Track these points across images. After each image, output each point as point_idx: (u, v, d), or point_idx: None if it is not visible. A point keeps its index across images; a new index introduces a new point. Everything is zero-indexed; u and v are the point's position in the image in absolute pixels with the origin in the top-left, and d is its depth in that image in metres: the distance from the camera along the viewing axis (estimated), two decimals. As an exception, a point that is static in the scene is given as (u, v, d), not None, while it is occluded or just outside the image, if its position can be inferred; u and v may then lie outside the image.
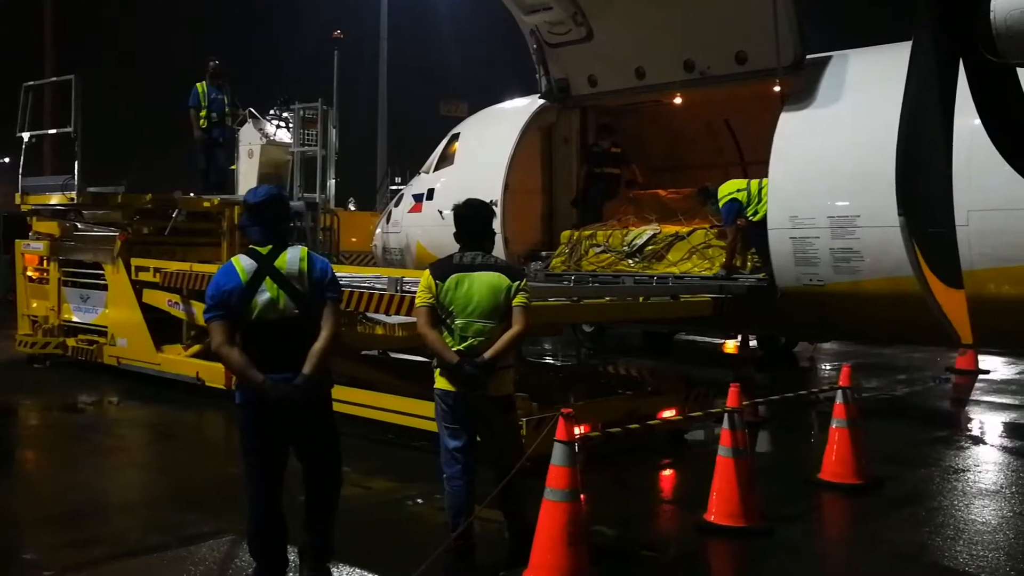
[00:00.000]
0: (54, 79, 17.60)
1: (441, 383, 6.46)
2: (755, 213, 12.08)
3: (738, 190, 12.18)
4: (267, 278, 5.65)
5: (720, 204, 12.27)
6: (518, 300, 6.41)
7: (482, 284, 6.38)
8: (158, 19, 47.11)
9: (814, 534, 7.87)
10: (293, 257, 5.75)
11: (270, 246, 5.77)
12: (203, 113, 15.57)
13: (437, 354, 6.42)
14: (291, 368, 5.59)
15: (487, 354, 6.28)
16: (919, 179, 7.13)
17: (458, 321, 6.37)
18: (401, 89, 38.71)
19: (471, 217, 6.67)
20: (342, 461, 6.11)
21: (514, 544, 6.47)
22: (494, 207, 14.20)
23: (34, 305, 15.57)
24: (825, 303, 11.48)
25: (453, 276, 6.40)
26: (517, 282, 6.44)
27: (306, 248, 5.92)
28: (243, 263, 5.71)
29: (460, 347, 6.35)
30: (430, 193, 15.72)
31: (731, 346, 18.57)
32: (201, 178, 15.72)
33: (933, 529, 7.67)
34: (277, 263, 5.70)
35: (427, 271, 6.57)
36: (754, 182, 12.23)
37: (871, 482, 8.67)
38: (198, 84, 15.57)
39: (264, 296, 5.63)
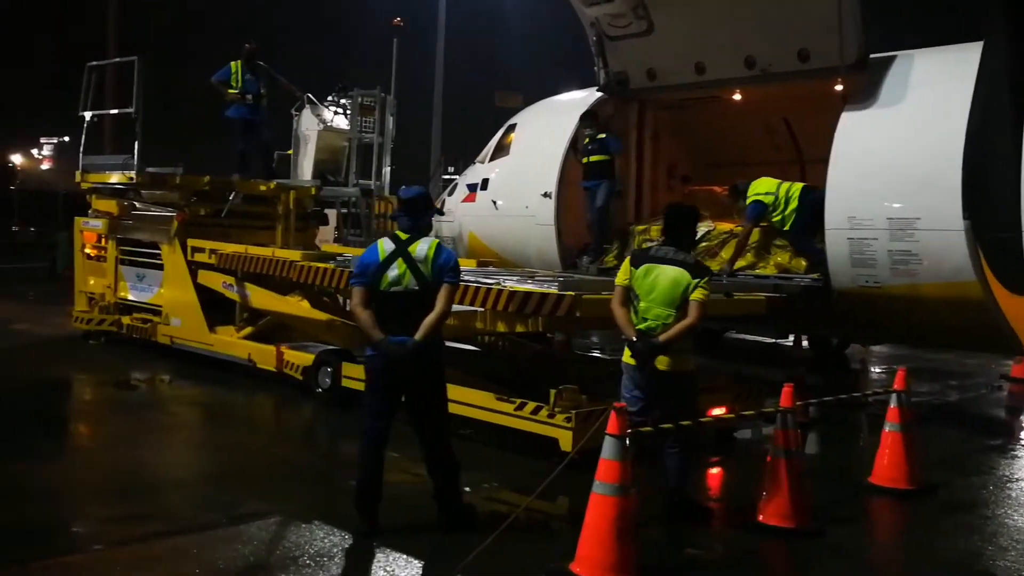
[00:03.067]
0: (117, 60, 17.77)
1: (626, 356, 7.46)
2: (782, 221, 11.97)
3: (766, 192, 12.04)
4: (400, 259, 6.84)
5: (747, 202, 12.16)
6: (695, 295, 7.25)
7: (666, 276, 7.33)
8: (219, 4, 47.59)
9: (864, 538, 7.77)
10: (424, 246, 6.90)
11: (409, 234, 6.94)
12: (233, 92, 15.46)
13: (621, 329, 7.49)
14: (408, 333, 6.73)
15: (661, 337, 7.20)
16: (986, 183, 7.01)
17: (642, 304, 7.38)
18: (457, 79, 38.77)
19: (674, 217, 7.75)
20: (448, 413, 7.20)
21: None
22: (549, 198, 14.28)
23: (91, 282, 15.76)
24: (881, 305, 11.32)
25: (645, 265, 7.43)
26: (697, 279, 7.29)
27: (437, 240, 7.05)
28: (385, 244, 6.96)
29: (640, 327, 7.34)
30: (484, 183, 15.70)
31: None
32: (239, 158, 15.71)
33: (985, 538, 7.54)
34: (411, 248, 6.87)
35: (628, 256, 7.70)
36: (784, 186, 12.08)
37: (923, 488, 8.55)
38: (232, 63, 15.54)
39: (393, 272, 6.83)
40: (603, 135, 13.79)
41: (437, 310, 6.80)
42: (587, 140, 13.83)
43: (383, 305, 6.88)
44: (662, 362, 7.30)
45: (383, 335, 6.75)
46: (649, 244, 7.49)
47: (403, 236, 6.99)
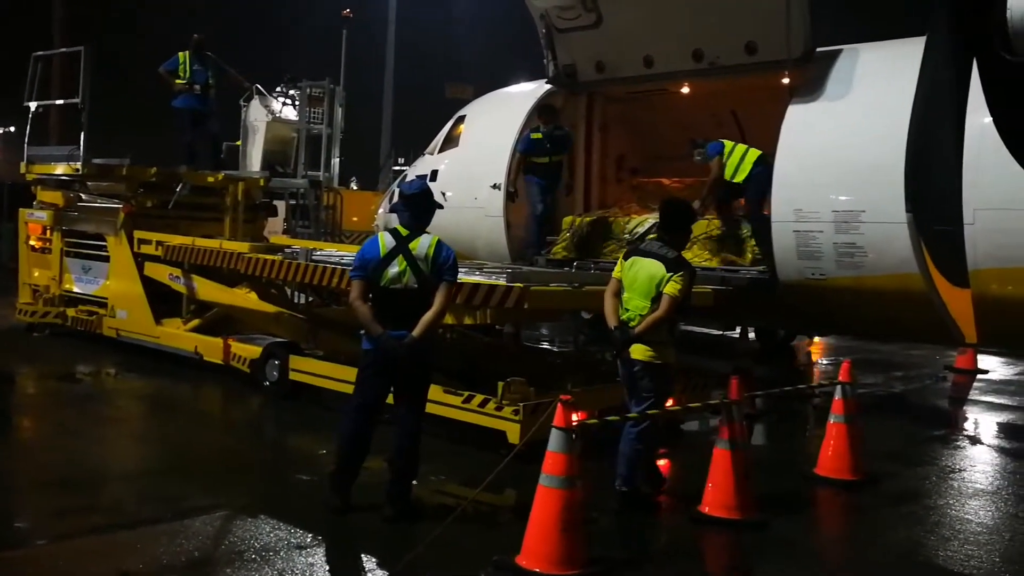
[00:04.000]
0: (63, 50, 17.51)
1: None
2: (735, 173, 12.30)
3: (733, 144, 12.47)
4: (400, 255, 6.97)
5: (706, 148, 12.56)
6: (667, 288, 7.47)
7: (645, 269, 7.61)
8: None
9: (809, 529, 7.86)
10: (424, 243, 7.04)
11: (410, 231, 7.07)
12: (181, 83, 15.30)
13: (606, 317, 7.78)
14: (406, 328, 6.91)
15: (636, 329, 7.49)
16: (928, 176, 7.11)
17: (625, 295, 7.70)
18: (407, 70, 38.62)
19: (667, 212, 8.05)
20: (425, 407, 7.38)
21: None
22: (498, 190, 14.28)
23: (36, 274, 15.53)
24: (826, 297, 11.46)
25: (632, 258, 7.77)
26: (671, 274, 7.49)
27: (438, 237, 7.13)
28: (386, 240, 7.07)
29: (623, 316, 7.64)
30: (434, 175, 15.67)
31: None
32: (186, 149, 15.55)
33: (929, 528, 7.66)
34: (411, 245, 7.01)
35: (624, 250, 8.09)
36: (741, 146, 12.42)
37: (867, 479, 8.67)
38: (180, 53, 15.38)
39: (394, 269, 6.97)
40: (564, 131, 13.86)
41: (435, 308, 6.98)
42: (542, 136, 13.80)
43: (382, 300, 7.03)
44: (636, 351, 7.54)
45: (382, 329, 6.91)
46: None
47: (404, 232, 7.10)
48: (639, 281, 7.62)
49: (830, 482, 8.57)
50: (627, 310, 7.65)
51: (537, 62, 14.98)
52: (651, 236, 8.81)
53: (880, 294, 10.90)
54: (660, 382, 7.69)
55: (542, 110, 14.06)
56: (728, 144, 12.50)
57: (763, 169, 12.01)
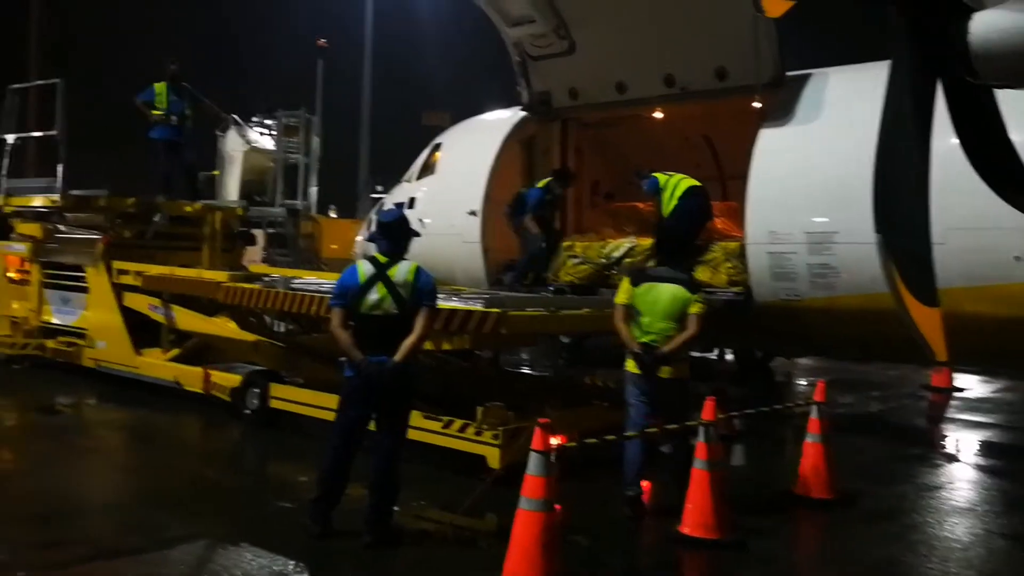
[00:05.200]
0: (39, 83, 17.53)
1: (630, 366, 8.17)
2: (662, 207, 12.40)
3: (663, 173, 12.55)
4: (379, 282, 7.05)
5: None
6: (693, 309, 8.00)
7: (667, 293, 8.05)
8: (142, 24, 46.99)
9: (787, 547, 7.93)
10: (403, 269, 7.14)
11: (388, 258, 7.15)
12: (158, 114, 15.34)
13: (625, 344, 8.16)
14: (387, 353, 6.97)
15: (665, 348, 7.94)
16: (896, 197, 7.20)
17: (644, 319, 8.08)
18: (384, 98, 38.73)
19: (670, 241, 8.66)
20: (406, 433, 7.41)
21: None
22: (475, 216, 14.37)
23: (14, 306, 15.49)
24: (801, 318, 11.57)
25: (645, 284, 8.15)
26: (695, 295, 8.05)
27: (416, 264, 7.25)
28: (364, 268, 7.16)
29: (644, 339, 8.05)
30: (411, 202, 15.77)
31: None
32: (162, 180, 15.55)
33: (906, 545, 7.73)
34: (390, 272, 7.10)
35: (625, 277, 8.44)
36: (675, 177, 12.43)
37: (844, 497, 8.74)
38: (156, 84, 15.42)
39: (374, 296, 7.04)
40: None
41: (416, 333, 7.05)
42: (553, 197, 13.89)
43: (363, 327, 7.08)
44: (665, 370, 8.02)
45: (363, 356, 6.97)
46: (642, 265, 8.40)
47: (382, 259, 7.19)
48: (661, 304, 8.04)
49: (807, 501, 8.64)
50: (648, 332, 8.05)
51: (512, 89, 15.12)
52: (650, 263, 9.02)
53: (853, 314, 11.02)
54: (686, 396, 8.19)
55: (562, 173, 14.14)
56: (662, 178, 12.47)
57: (691, 202, 12.14)
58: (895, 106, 6.86)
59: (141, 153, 16.03)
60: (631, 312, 8.19)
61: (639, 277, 8.29)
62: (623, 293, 8.27)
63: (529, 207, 13.51)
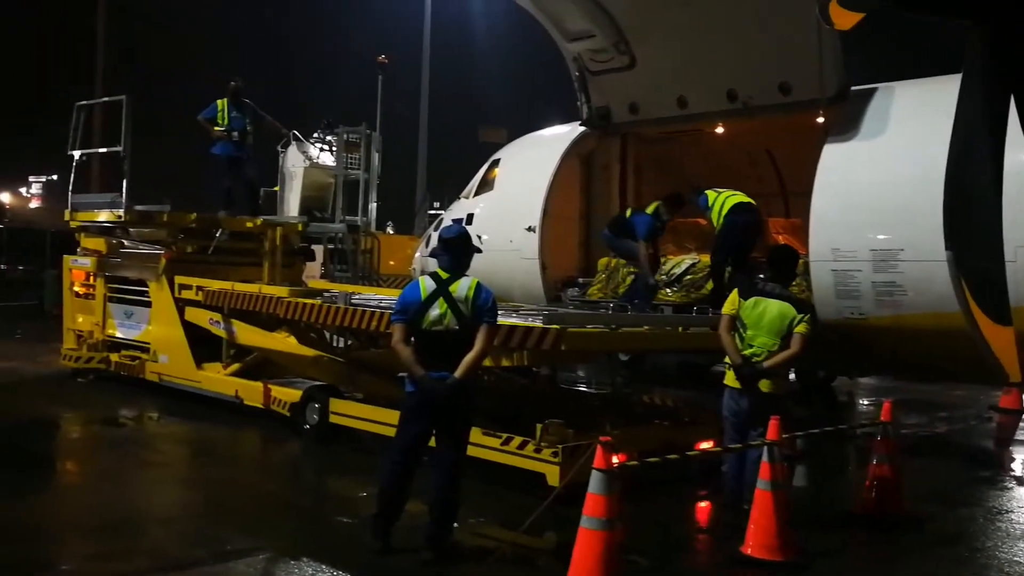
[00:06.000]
0: (105, 99, 17.81)
1: (729, 379, 8.40)
2: (712, 222, 12.29)
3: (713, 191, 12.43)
4: (441, 298, 7.05)
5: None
6: (799, 328, 8.17)
7: (773, 309, 8.25)
8: (205, 42, 47.75)
9: (851, 570, 7.75)
10: (464, 285, 7.13)
11: (450, 274, 7.15)
12: (219, 130, 15.54)
13: (728, 354, 8.38)
14: (448, 369, 6.97)
15: (766, 363, 8.16)
16: (968, 213, 7.06)
17: (748, 332, 8.30)
18: (442, 114, 38.94)
19: (780, 259, 8.80)
20: (466, 449, 7.40)
21: None
22: (533, 232, 14.33)
23: (80, 320, 15.73)
24: (866, 337, 11.38)
25: (754, 298, 8.35)
26: (802, 315, 8.22)
27: (477, 280, 7.23)
28: (426, 283, 7.16)
29: (746, 352, 8.27)
30: (469, 218, 15.77)
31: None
32: (224, 195, 15.74)
33: (975, 570, 7.55)
34: (451, 288, 7.09)
35: (735, 289, 8.64)
36: (724, 193, 12.28)
37: (911, 520, 8.58)
38: (219, 100, 15.63)
39: (435, 312, 7.04)
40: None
41: (476, 349, 7.04)
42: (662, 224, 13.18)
43: (424, 343, 7.09)
44: (763, 384, 8.22)
45: (423, 371, 6.97)
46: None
47: (444, 275, 7.19)
48: (767, 320, 8.25)
49: (873, 522, 8.48)
50: (751, 346, 8.27)
51: (571, 105, 15.10)
52: (760, 276, 8.96)
53: (920, 333, 10.82)
54: (783, 411, 8.08)
55: (674, 199, 13.16)
56: (711, 195, 12.33)
57: (738, 217, 11.99)
58: (967, 120, 6.73)
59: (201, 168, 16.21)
60: (736, 324, 8.41)
61: (749, 291, 8.48)
62: (730, 304, 8.51)
63: (640, 234, 12.82)
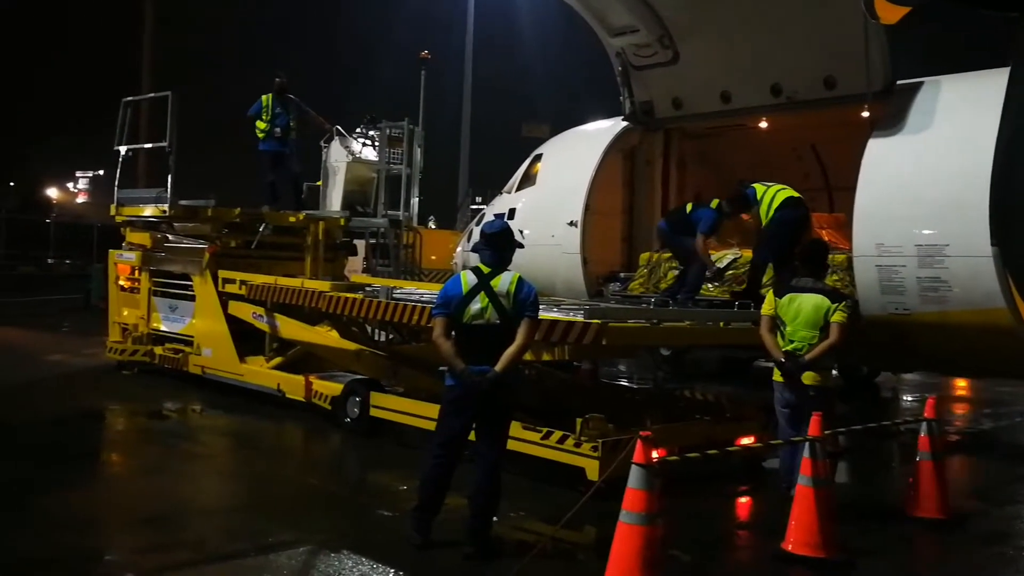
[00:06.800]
0: (151, 95, 17.99)
1: (776, 376, 8.67)
2: (760, 217, 12.08)
3: (762, 184, 12.21)
4: (482, 292, 7.06)
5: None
6: (836, 318, 8.34)
7: (809, 303, 8.43)
8: (249, 38, 48.10)
9: (896, 569, 7.67)
10: (506, 280, 7.14)
11: (491, 268, 7.16)
12: (263, 126, 15.69)
13: (770, 352, 8.68)
14: (488, 363, 6.95)
15: (807, 356, 8.33)
16: (1014, 209, 6.97)
17: (788, 328, 8.51)
18: (484, 109, 38.99)
19: (811, 253, 8.96)
20: (506, 442, 7.40)
21: None
22: (575, 227, 14.32)
23: (125, 313, 15.90)
24: (911, 333, 11.26)
25: (788, 295, 8.55)
26: (836, 304, 8.39)
27: (518, 274, 7.24)
28: (468, 278, 7.18)
29: (787, 348, 8.49)
30: (511, 213, 15.78)
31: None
32: (268, 190, 15.88)
33: (1020, 570, 7.46)
34: (493, 282, 7.11)
35: (770, 290, 8.97)
36: (773, 187, 12.04)
37: (956, 518, 8.47)
38: (264, 96, 15.76)
39: (476, 306, 7.05)
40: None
41: (517, 343, 7.04)
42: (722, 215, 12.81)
43: (465, 337, 7.09)
44: (808, 377, 8.39)
45: (464, 365, 6.97)
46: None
47: (485, 270, 7.20)
48: (804, 314, 8.43)
49: (917, 520, 8.38)
50: (792, 341, 8.47)
51: (613, 100, 15.07)
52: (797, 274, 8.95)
53: (965, 329, 10.69)
54: (829, 404, 8.31)
55: (741, 199, 12.61)
56: (759, 189, 12.07)
57: (786, 212, 11.81)
58: (1016, 116, 6.64)
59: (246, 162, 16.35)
60: (776, 323, 8.61)
61: (783, 289, 8.69)
62: (768, 305, 8.74)
63: (703, 229, 12.48)
